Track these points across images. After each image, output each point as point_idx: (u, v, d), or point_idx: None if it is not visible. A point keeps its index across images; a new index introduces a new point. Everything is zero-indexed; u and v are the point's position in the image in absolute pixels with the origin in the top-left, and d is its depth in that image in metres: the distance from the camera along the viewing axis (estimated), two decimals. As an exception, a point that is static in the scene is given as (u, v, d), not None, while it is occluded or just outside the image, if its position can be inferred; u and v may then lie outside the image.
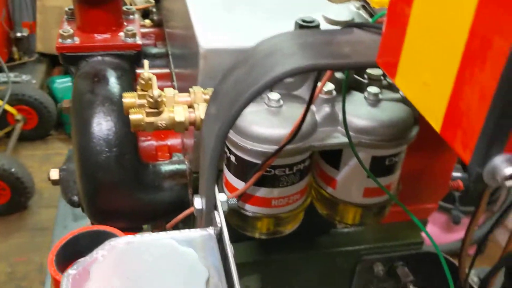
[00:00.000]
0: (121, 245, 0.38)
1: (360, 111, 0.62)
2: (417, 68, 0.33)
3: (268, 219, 0.68)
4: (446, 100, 0.30)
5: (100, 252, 0.38)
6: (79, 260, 0.42)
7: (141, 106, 0.58)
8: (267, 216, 0.66)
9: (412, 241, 0.88)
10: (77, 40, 0.79)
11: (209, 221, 0.45)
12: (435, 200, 0.88)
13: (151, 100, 0.56)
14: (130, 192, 0.73)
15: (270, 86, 0.40)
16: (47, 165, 2.23)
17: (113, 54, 0.80)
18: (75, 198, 0.78)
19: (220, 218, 0.44)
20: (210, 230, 0.43)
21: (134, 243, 0.38)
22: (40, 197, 2.08)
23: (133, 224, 0.79)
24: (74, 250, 0.60)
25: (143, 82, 0.58)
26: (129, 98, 0.59)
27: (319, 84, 0.55)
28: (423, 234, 1.43)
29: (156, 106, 0.56)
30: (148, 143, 0.81)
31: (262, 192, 0.63)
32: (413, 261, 0.88)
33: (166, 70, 1.01)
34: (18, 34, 2.42)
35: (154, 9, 1.18)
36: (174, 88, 0.96)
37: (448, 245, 1.63)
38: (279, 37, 0.45)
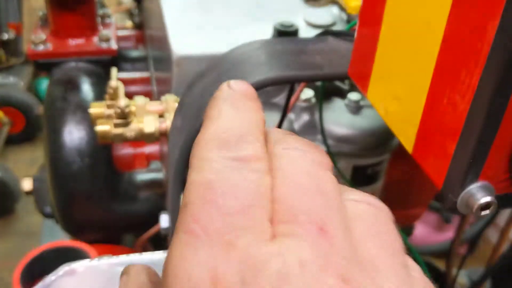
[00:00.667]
0: (67, 273, 0.35)
1: (341, 119, 0.59)
2: (388, 81, 0.31)
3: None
4: (418, 118, 0.28)
5: (48, 279, 0.35)
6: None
7: (109, 116, 0.55)
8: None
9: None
10: (49, 46, 0.76)
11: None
12: (423, 205, 0.85)
13: (118, 110, 0.53)
14: (104, 203, 0.70)
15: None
16: (34, 168, 2.19)
17: (88, 60, 0.77)
18: (48, 208, 0.75)
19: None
20: (174, 253, 0.40)
21: (84, 270, 0.35)
22: (27, 202, 2.04)
23: (109, 235, 0.76)
24: (43, 266, 0.58)
25: (111, 91, 0.55)
26: (97, 108, 0.56)
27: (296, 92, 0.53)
28: (413, 237, 1.41)
29: (124, 117, 0.53)
30: (125, 151, 0.78)
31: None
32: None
33: (147, 74, 0.98)
34: (5, 36, 2.38)
35: (135, 11, 1.15)
36: (154, 93, 0.93)
37: (439, 245, 1.61)
38: (249, 45, 0.42)
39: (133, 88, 0.97)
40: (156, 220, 0.74)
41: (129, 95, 0.94)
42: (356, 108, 0.60)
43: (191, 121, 0.40)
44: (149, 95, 0.97)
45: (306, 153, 0.21)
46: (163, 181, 0.75)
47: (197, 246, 0.18)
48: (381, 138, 0.59)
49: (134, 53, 1.02)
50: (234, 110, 0.23)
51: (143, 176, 0.75)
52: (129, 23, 1.13)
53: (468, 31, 0.23)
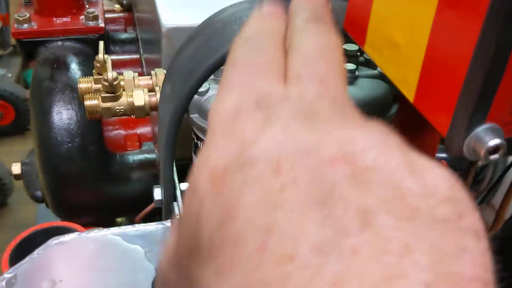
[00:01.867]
0: (56, 244, 0.33)
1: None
2: (387, 28, 0.29)
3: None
4: (420, 63, 0.26)
5: (36, 252, 0.34)
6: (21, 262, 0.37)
7: (97, 91, 0.53)
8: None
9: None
10: (34, 25, 0.74)
11: (169, 213, 0.41)
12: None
13: (106, 83, 0.51)
14: (95, 185, 0.69)
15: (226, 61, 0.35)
16: (26, 160, 2.16)
17: (74, 39, 0.75)
18: (38, 193, 0.73)
19: (179, 209, 0.39)
20: (167, 223, 0.38)
21: (72, 240, 0.34)
22: (19, 194, 2.02)
23: (102, 218, 0.75)
24: (33, 247, 0.56)
25: (98, 65, 0.53)
26: (84, 83, 0.54)
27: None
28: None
29: (112, 90, 0.51)
30: (116, 132, 0.77)
31: (233, 179, 0.58)
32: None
33: (136, 56, 0.96)
34: (-9, 27, 2.34)
35: (123, -7, 1.12)
36: (144, 75, 0.91)
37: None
38: (237, 6, 0.41)
39: (123, 71, 0.95)
40: (149, 201, 0.73)
41: (119, 77, 0.93)
42: (352, 78, 0.58)
43: (180, 86, 0.38)
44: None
45: (320, 31, 0.26)
46: (156, 161, 0.73)
47: (230, 90, 0.25)
48: (377, 109, 0.57)
49: (123, 36, 1.00)
50: (259, 20, 0.29)
51: (135, 156, 0.73)
52: (117, 6, 1.11)
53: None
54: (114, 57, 0.94)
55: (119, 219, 0.89)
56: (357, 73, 0.58)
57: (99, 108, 0.52)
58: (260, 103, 0.24)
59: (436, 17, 0.24)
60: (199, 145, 0.57)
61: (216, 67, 0.36)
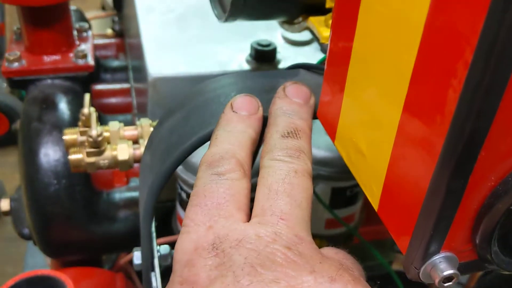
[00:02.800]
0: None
1: (319, 142, 0.58)
2: (353, 133, 0.30)
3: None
4: (383, 177, 0.27)
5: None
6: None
7: (82, 144, 0.54)
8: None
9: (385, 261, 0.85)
10: (24, 63, 0.74)
11: (148, 283, 0.42)
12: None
13: (90, 139, 0.52)
14: (82, 225, 0.69)
15: (203, 143, 0.36)
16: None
17: (64, 77, 0.75)
18: (26, 230, 0.74)
19: (156, 281, 0.40)
20: (145, 296, 0.39)
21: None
22: (12, 206, 2.02)
23: (88, 256, 0.75)
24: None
25: (83, 118, 0.54)
26: (70, 135, 0.55)
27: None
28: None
29: (96, 146, 0.52)
30: (104, 168, 0.77)
31: (216, 229, 0.59)
32: (385, 281, 0.85)
33: (127, 85, 0.97)
34: (-13, 37, 2.34)
35: (116, 19, 1.13)
36: (134, 105, 0.92)
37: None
38: (219, 81, 0.41)
39: (113, 100, 0.95)
40: (136, 239, 0.74)
41: (110, 108, 0.93)
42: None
43: (158, 161, 0.39)
44: (129, 107, 0.95)
45: (286, 164, 0.30)
46: (143, 199, 0.74)
47: (189, 231, 0.27)
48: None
49: (114, 63, 1.00)
50: (226, 134, 0.33)
51: (122, 194, 0.74)
52: (109, 31, 1.11)
53: (430, 98, 0.22)
54: (105, 86, 0.94)
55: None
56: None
57: (84, 163, 0.53)
58: (216, 247, 0.26)
59: (397, 137, 0.25)
60: (182, 195, 0.58)
61: (192, 150, 0.36)
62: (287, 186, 0.28)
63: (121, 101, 0.95)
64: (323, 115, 0.34)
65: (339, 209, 0.61)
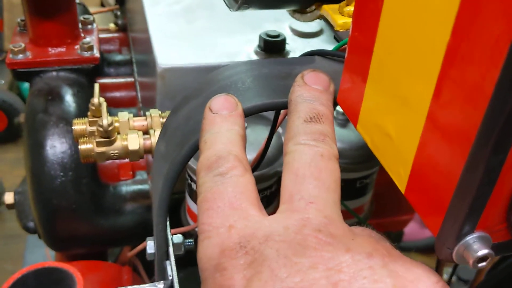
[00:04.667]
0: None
1: (329, 132, 0.58)
2: (379, 115, 0.30)
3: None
4: (411, 161, 0.26)
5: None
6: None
7: (92, 133, 0.53)
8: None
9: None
10: (29, 55, 0.74)
11: (162, 271, 0.41)
12: (411, 211, 0.85)
13: (101, 129, 0.51)
14: (88, 218, 0.69)
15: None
16: (18, 169, 2.16)
17: (69, 69, 0.75)
18: (31, 224, 0.73)
19: (171, 269, 0.40)
20: (160, 285, 0.39)
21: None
22: (11, 203, 2.01)
23: (94, 250, 0.75)
24: None
25: (93, 108, 0.53)
26: (79, 125, 0.54)
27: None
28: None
29: (107, 135, 0.52)
30: (109, 161, 0.77)
31: (226, 220, 0.59)
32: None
33: (131, 79, 0.96)
34: (-15, 33, 2.33)
35: (118, 13, 1.12)
36: (138, 99, 0.91)
37: (426, 241, 1.62)
38: (235, 68, 0.41)
39: (117, 94, 0.95)
40: (142, 232, 0.73)
41: (114, 101, 0.93)
42: (345, 121, 0.59)
43: (175, 149, 0.38)
44: (133, 100, 0.95)
45: (311, 147, 0.29)
46: (149, 192, 0.73)
47: (210, 236, 0.26)
48: (369, 152, 0.57)
49: (118, 57, 0.99)
50: (214, 136, 0.32)
51: (128, 187, 0.73)
52: (112, 26, 1.10)
53: (466, 74, 0.22)
54: (108, 80, 0.94)
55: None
56: (350, 115, 0.59)
57: (94, 153, 0.52)
58: (243, 245, 0.25)
59: (428, 117, 0.25)
60: (192, 186, 0.57)
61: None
62: (314, 169, 0.27)
63: (125, 95, 0.94)
64: (344, 100, 0.34)
65: (348, 201, 0.61)
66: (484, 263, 0.23)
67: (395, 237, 0.85)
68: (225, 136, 0.31)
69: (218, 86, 0.39)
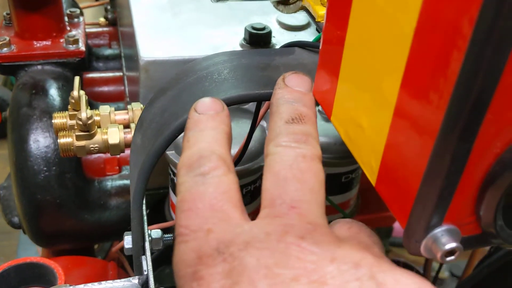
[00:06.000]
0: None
1: (314, 126, 0.57)
2: (351, 106, 0.29)
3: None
4: (381, 150, 0.26)
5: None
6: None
7: (72, 127, 0.53)
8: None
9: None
10: (14, 49, 0.73)
11: (139, 267, 0.41)
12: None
13: (80, 122, 0.50)
14: (73, 213, 0.68)
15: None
16: (11, 165, 2.14)
17: (54, 63, 0.74)
18: (16, 219, 0.73)
19: (147, 264, 0.39)
20: (135, 280, 0.38)
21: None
22: (4, 199, 2.00)
23: (80, 245, 0.74)
24: (7, 285, 0.55)
25: (73, 101, 0.52)
26: (59, 119, 0.54)
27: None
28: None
29: (87, 129, 0.51)
30: (95, 156, 0.76)
31: (210, 215, 0.58)
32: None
33: (120, 73, 0.95)
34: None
35: (108, 7, 1.11)
36: (126, 93, 0.90)
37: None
38: (213, 58, 0.40)
39: (105, 89, 0.94)
40: (128, 228, 0.72)
41: (102, 96, 0.92)
42: (330, 115, 0.58)
43: (150, 141, 0.38)
44: (122, 95, 0.94)
45: (293, 149, 0.28)
46: (135, 188, 0.73)
47: (186, 240, 0.25)
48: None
49: (107, 52, 0.99)
50: (198, 134, 0.30)
51: (114, 182, 0.72)
52: (102, 20, 1.10)
53: (431, 63, 0.21)
54: (97, 74, 0.93)
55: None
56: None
57: (73, 147, 0.51)
58: (221, 251, 0.23)
59: (397, 108, 0.24)
60: (175, 181, 0.56)
61: (181, 130, 0.35)
62: (296, 171, 0.26)
63: (114, 90, 0.93)
64: (319, 92, 0.33)
65: (334, 196, 0.60)
66: (452, 257, 0.23)
67: (385, 233, 0.84)
68: (210, 134, 0.30)
69: (194, 77, 0.38)
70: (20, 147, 0.66)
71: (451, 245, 0.22)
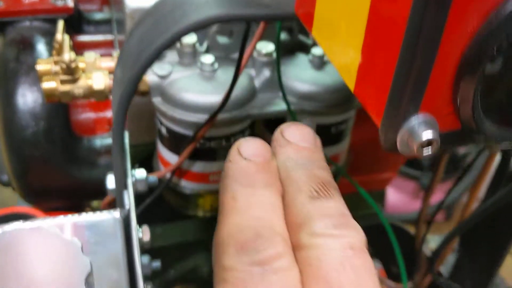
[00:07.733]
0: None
1: (304, 75, 0.56)
2: (330, 14, 0.28)
3: (210, 196, 0.63)
4: (359, 47, 0.25)
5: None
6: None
7: (56, 74, 0.52)
8: (207, 192, 0.60)
9: (371, 211, 0.84)
10: (2, 5, 0.71)
11: (121, 203, 0.40)
12: (393, 169, 0.83)
13: (64, 66, 0.49)
14: (61, 169, 0.67)
15: (173, 42, 0.34)
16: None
17: (43, 19, 0.73)
18: (5, 176, 0.72)
19: (129, 198, 0.38)
20: (116, 213, 0.37)
21: (9, 233, 0.32)
22: None
23: (70, 203, 0.73)
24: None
25: (57, 45, 0.51)
26: (43, 65, 0.53)
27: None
28: (390, 206, 1.40)
29: (70, 73, 0.50)
30: (85, 115, 0.75)
31: (198, 167, 0.57)
32: (371, 232, 0.84)
33: (110, 37, 0.94)
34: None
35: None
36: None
37: (415, 213, 1.61)
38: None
39: (97, 52, 0.93)
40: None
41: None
42: (320, 64, 0.57)
43: (129, 71, 0.37)
44: (113, 59, 0.93)
45: (337, 239, 0.22)
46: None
47: None
48: (345, 95, 0.56)
49: (98, 16, 0.97)
50: (249, 193, 0.24)
51: (103, 141, 0.71)
52: (94, -15, 1.08)
53: None
54: (87, 38, 0.92)
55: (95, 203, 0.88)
56: (325, 58, 0.57)
57: (57, 92, 0.51)
58: None
59: (371, 9, 0.23)
60: (162, 130, 0.56)
61: (159, 52, 0.34)
62: (351, 274, 0.21)
63: (104, 53, 0.92)
64: (301, 7, 0.32)
65: (324, 148, 0.59)
66: (429, 150, 0.22)
67: (377, 196, 0.84)
68: (265, 197, 0.24)
69: (172, 5, 0.37)
70: (7, 102, 0.66)
71: (427, 133, 0.21)
